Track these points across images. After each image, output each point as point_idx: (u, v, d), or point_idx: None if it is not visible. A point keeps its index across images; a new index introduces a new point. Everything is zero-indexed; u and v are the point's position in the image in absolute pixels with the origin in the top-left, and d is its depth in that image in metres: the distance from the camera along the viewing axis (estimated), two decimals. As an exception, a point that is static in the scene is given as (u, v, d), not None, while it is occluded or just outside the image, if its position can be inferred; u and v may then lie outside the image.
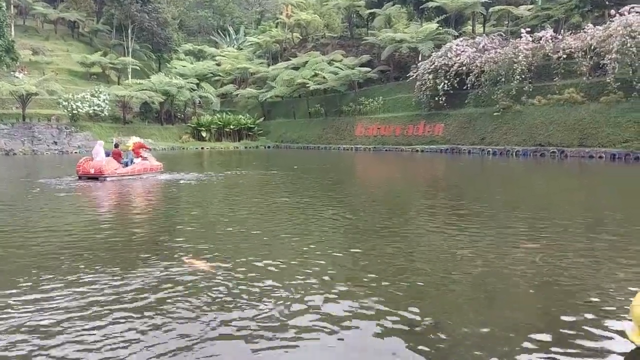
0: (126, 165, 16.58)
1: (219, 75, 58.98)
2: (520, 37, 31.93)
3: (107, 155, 16.30)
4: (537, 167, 22.68)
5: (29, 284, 4.90)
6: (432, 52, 37.75)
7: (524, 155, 28.50)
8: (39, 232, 7.68)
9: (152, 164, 17.56)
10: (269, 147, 48.39)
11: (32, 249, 6.44)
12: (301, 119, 50.04)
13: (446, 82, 34.91)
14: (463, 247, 6.43)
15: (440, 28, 41.34)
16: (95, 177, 15.37)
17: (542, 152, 28.20)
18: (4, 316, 4.07)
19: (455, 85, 34.84)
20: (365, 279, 5.05)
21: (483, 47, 34.29)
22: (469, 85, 34.02)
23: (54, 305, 4.29)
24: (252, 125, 51.13)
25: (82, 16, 59.87)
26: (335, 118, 45.98)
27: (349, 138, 42.99)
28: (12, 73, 42.15)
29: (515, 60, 31.04)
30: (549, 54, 30.71)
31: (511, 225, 8.02)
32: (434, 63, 35.72)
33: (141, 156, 17.38)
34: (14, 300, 4.42)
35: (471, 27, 46.26)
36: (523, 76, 30.74)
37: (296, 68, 50.20)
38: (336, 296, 4.53)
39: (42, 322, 3.95)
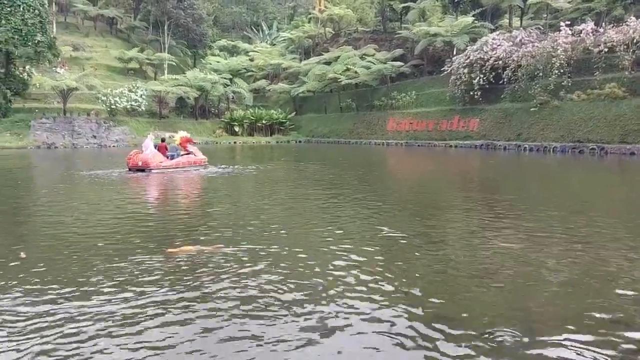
0: (172, 158, 17.23)
1: (252, 71, 59.49)
2: (560, 30, 31.08)
3: (156, 148, 17.06)
4: (576, 163, 22.10)
5: (105, 265, 5.12)
6: (467, 46, 37.14)
7: (561, 152, 27.80)
8: (103, 220, 8.00)
9: (197, 158, 18.15)
10: (300, 141, 48.61)
11: (111, 235, 6.73)
12: (332, 113, 50.06)
13: (481, 76, 34.31)
14: (499, 250, 6.36)
15: (476, 21, 40.60)
16: (142, 169, 16.14)
17: (580, 148, 27.46)
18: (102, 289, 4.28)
19: (491, 79, 34.23)
20: (399, 278, 5.07)
21: (520, 40, 33.52)
22: (505, 80, 33.35)
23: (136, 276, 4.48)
24: (283, 120, 51.46)
25: (121, 13, 61.30)
26: (366, 113, 45.80)
27: (381, 133, 42.76)
28: (53, 69, 43.52)
29: (553, 54, 30.25)
30: (590, 47, 29.79)
31: (548, 224, 7.87)
32: (469, 57, 35.15)
33: (187, 150, 18.00)
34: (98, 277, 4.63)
35: (508, 21, 45.24)
36: (562, 70, 29.94)
37: (328, 63, 50.17)
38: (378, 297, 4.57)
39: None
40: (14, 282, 4.78)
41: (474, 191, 12.56)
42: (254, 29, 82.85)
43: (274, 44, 70.34)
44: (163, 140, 18.20)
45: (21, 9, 37.34)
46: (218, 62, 58.86)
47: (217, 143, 45.69)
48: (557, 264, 5.38)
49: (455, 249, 6.12)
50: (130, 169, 16.49)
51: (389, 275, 4.97)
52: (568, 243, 6.40)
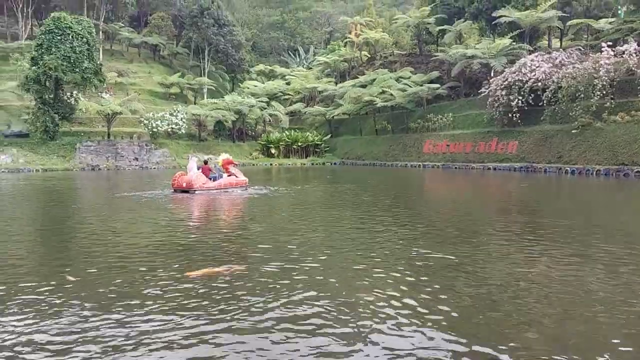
0: (214, 179, 17.71)
1: (289, 94, 60.43)
2: (601, 51, 30.39)
3: (199, 170, 17.65)
4: (622, 187, 21.33)
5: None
6: (505, 68, 36.73)
7: (605, 175, 26.91)
8: (154, 234, 8.23)
9: (239, 180, 18.58)
10: (335, 163, 48.75)
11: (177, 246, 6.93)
12: (367, 135, 50.11)
13: (520, 98, 33.79)
14: (540, 280, 6.18)
15: (514, 43, 40.19)
16: (187, 191, 16.76)
17: (625, 171, 26.52)
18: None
19: (530, 101, 33.65)
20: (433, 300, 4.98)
21: (560, 62, 32.92)
22: (544, 102, 32.70)
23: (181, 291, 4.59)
24: (318, 142, 51.82)
25: (163, 40, 63.58)
26: (402, 135, 45.65)
27: (417, 155, 42.46)
28: (99, 94, 45.28)
29: (595, 75, 29.54)
30: (633, 68, 28.98)
31: (594, 251, 7.61)
32: (507, 79, 34.72)
33: (229, 172, 18.48)
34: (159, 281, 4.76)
35: (547, 42, 44.62)
36: (604, 92, 29.17)
37: (364, 85, 50.48)
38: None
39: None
40: (57, 307, 4.94)
41: (516, 215, 12.28)
42: (291, 54, 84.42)
43: (310, 68, 71.42)
44: (206, 162, 18.72)
45: (70, 37, 39.21)
46: (255, 86, 60.07)
47: (253, 165, 46.32)
48: (604, 291, 5.19)
49: (497, 278, 5.98)
50: (175, 190, 17.14)
51: (426, 303, 4.89)
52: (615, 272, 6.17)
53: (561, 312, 4.60)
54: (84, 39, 40.15)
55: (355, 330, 4.16)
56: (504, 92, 34.71)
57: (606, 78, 29.13)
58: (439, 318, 4.42)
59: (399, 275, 5.83)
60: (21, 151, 38.10)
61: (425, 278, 5.75)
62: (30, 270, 6.33)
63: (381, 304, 4.78)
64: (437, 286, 5.38)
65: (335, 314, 4.51)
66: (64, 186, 23.33)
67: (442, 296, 5.02)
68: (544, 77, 32.64)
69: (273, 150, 50.37)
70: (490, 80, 36.88)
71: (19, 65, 45.40)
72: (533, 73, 33.28)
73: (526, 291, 5.22)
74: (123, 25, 63.37)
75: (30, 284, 5.48)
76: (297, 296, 5.01)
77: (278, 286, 5.37)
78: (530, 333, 4.10)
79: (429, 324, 4.28)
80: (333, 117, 52.47)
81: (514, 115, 34.27)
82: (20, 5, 60.16)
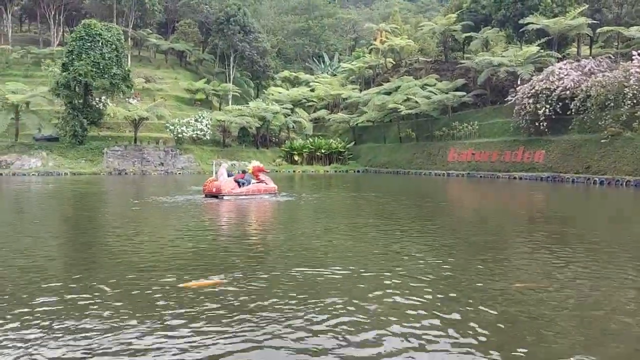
0: (243, 185, 18.19)
1: (313, 101, 60.58)
2: (632, 59, 29.65)
3: (229, 176, 18.26)
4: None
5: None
6: (532, 76, 36.15)
7: (636, 186, 26.15)
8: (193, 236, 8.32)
9: (267, 186, 18.87)
10: (358, 171, 48.61)
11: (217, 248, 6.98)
12: (391, 143, 49.85)
13: (547, 106, 33.17)
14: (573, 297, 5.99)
15: (542, 51, 39.53)
16: (216, 196, 17.45)
17: (658, 183, 25.74)
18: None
19: (558, 110, 32.99)
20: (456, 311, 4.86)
21: (589, 70, 32.27)
22: (573, 110, 32.03)
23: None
24: (342, 150, 51.76)
25: (190, 47, 64.54)
26: (426, 143, 45.27)
27: (441, 163, 42.03)
28: (127, 99, 46.16)
29: (626, 84, 28.83)
30: (666, 76, 28.21)
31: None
32: (534, 87, 34.15)
33: (259, 178, 18.86)
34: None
35: (576, 50, 43.78)
36: (635, 101, 28.43)
37: (388, 93, 50.28)
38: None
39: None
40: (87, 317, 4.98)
41: (549, 225, 12.00)
42: (316, 60, 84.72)
43: (335, 75, 71.52)
44: (244, 172, 19.21)
45: (100, 44, 40.12)
46: (280, 92, 60.40)
47: (277, 171, 46.47)
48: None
49: (525, 292, 5.82)
50: (206, 195, 17.88)
51: (452, 318, 4.77)
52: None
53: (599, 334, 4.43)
54: (113, 46, 41.02)
55: (380, 343, 4.08)
56: (531, 101, 34.13)
57: (637, 87, 28.40)
58: (465, 337, 4.30)
59: (427, 287, 5.71)
60: (51, 155, 39.04)
61: (454, 294, 5.62)
62: (55, 274, 6.42)
63: (410, 313, 4.68)
64: (469, 301, 5.25)
65: (356, 325, 4.44)
66: (99, 190, 23.88)
67: (468, 311, 4.89)
68: (572, 85, 32.01)
69: (296, 157, 50.49)
70: (517, 88, 36.33)
71: (50, 71, 46.66)
72: (561, 81, 32.67)
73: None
74: (151, 31, 64.57)
75: (51, 285, 5.56)
76: (321, 304, 4.96)
77: (305, 295, 5.32)
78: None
79: (455, 341, 4.18)
80: (357, 124, 52.39)
81: (541, 124, 33.66)
82: (53, 13, 61.94)
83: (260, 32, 65.98)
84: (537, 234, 10.59)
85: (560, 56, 39.85)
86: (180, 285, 5.85)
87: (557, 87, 32.71)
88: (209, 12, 65.76)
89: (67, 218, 13.62)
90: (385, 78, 58.38)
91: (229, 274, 6.38)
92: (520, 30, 41.88)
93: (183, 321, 4.60)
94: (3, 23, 65.40)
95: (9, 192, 22.61)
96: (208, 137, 46.42)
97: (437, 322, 4.65)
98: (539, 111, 33.55)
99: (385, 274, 6.51)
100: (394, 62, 63.59)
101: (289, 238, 9.92)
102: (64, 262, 7.65)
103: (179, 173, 41.42)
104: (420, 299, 5.35)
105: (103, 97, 42.68)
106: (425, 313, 4.88)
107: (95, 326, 4.46)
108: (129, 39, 58.64)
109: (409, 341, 4.19)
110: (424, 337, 4.29)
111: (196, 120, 45.68)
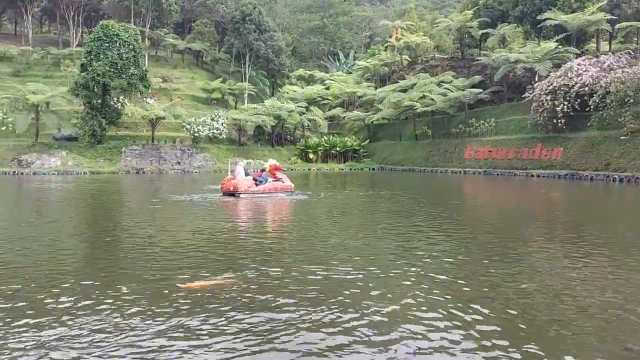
0: (260, 183, 18.48)
1: (328, 99, 60.54)
2: (653, 54, 29.17)
3: (247, 175, 18.53)
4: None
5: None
6: (550, 72, 35.70)
7: (657, 184, 25.73)
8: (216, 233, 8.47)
9: (284, 185, 19.05)
10: (373, 169, 48.50)
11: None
12: (407, 141, 49.64)
13: (565, 103, 32.74)
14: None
15: (560, 47, 39.00)
16: (233, 194, 17.77)
17: (679, 180, 25.28)
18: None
19: (576, 106, 32.55)
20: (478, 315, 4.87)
21: (608, 66, 31.78)
22: (591, 107, 31.59)
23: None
24: (357, 148, 51.67)
25: (206, 46, 64.96)
26: (442, 140, 45.00)
27: (457, 161, 41.75)
28: (144, 99, 46.65)
29: (646, 79, 28.36)
30: (688, 71, 27.66)
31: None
32: (552, 83, 33.73)
33: (276, 177, 19.04)
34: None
35: (595, 45, 43.10)
36: (656, 97, 27.96)
37: (404, 90, 50.06)
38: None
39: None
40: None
41: (568, 224, 11.89)
42: (331, 58, 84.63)
43: (350, 72, 71.36)
44: (263, 170, 19.52)
45: (117, 44, 40.58)
46: (295, 91, 60.48)
47: (292, 170, 46.59)
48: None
49: (543, 293, 5.80)
50: (224, 194, 18.22)
51: (467, 319, 4.78)
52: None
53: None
54: (131, 46, 41.46)
55: (399, 343, 4.11)
56: (548, 97, 33.72)
57: (658, 82, 27.91)
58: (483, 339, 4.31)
59: (444, 287, 5.73)
60: (70, 154, 39.66)
61: (471, 293, 5.62)
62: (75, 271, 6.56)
63: (428, 313, 4.70)
64: (489, 301, 5.25)
65: (371, 327, 4.47)
66: (118, 189, 24.29)
67: (486, 311, 4.89)
68: (591, 81, 31.56)
69: (311, 155, 50.54)
70: (535, 85, 35.93)
71: (70, 72, 47.37)
72: (580, 77, 32.23)
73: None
74: (168, 31, 65.11)
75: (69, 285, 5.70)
76: (337, 305, 5.00)
77: (320, 295, 5.37)
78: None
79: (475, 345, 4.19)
80: (372, 122, 52.26)
81: (559, 120, 33.24)
82: (72, 14, 62.81)
83: (276, 30, 66.09)
84: (556, 233, 10.50)
85: (578, 52, 39.29)
86: (181, 285, 5.77)
87: (576, 83, 32.29)
88: (224, 12, 66.09)
89: (90, 217, 13.88)
90: (401, 75, 58.13)
91: (242, 273, 6.45)
92: (538, 26, 41.36)
93: (199, 322, 4.68)
94: (24, 24, 66.57)
95: (31, 191, 23.07)
96: (224, 136, 46.74)
97: (456, 322, 4.66)
98: (556, 108, 33.14)
99: (401, 273, 6.53)
100: (410, 59, 63.25)
101: (303, 237, 9.98)
102: (84, 260, 7.81)
103: (196, 172, 41.77)
104: (438, 298, 5.36)
105: (121, 97, 43.20)
106: (443, 313, 4.88)
107: (107, 326, 4.56)
108: (146, 39, 59.20)
109: (428, 341, 4.20)
110: (445, 337, 4.29)
111: (212, 119, 46.02)
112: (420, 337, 4.29)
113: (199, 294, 5.50)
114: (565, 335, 4.40)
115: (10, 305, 5.11)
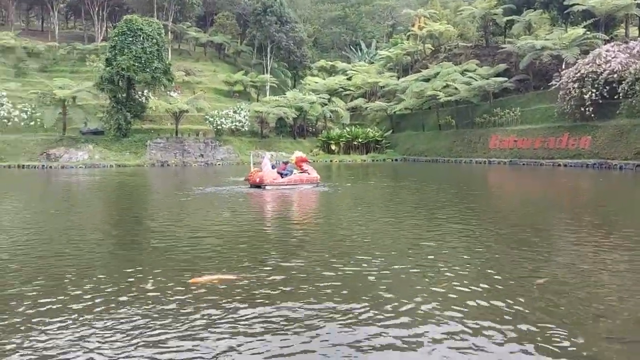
0: (286, 175, 18.72)
1: (350, 90, 60.22)
2: (687, 38, 28.16)
3: (273, 167, 18.83)
4: None
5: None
6: (577, 59, 34.82)
7: (690, 173, 24.97)
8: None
9: (310, 177, 19.16)
10: (396, 160, 48.16)
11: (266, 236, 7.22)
12: (430, 131, 49.12)
13: (594, 91, 31.90)
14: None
15: (588, 33, 37.96)
16: (259, 186, 18.10)
17: None
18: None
19: (605, 94, 31.70)
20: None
21: (638, 52, 30.82)
22: (621, 94, 30.72)
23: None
24: (379, 138, 51.33)
25: (228, 39, 65.29)
26: (466, 130, 44.39)
27: (482, 151, 41.16)
28: (168, 92, 47.17)
29: (679, 65, 27.43)
30: None
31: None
32: (579, 71, 32.89)
33: (302, 168, 19.19)
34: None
35: (624, 31, 41.84)
36: (689, 82, 27.03)
37: (427, 79, 49.44)
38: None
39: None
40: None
41: (597, 216, 11.63)
42: (353, 49, 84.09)
43: (372, 62, 70.78)
44: (287, 162, 19.79)
45: (141, 38, 41.06)
46: (316, 82, 60.30)
47: (314, 161, 46.54)
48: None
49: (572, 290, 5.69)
50: (250, 186, 18.58)
51: (493, 316, 4.71)
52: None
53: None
54: (154, 40, 41.91)
55: (427, 338, 4.09)
56: (576, 85, 32.91)
57: (692, 68, 26.98)
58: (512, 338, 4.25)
59: (468, 280, 5.66)
60: (96, 148, 40.44)
61: (499, 287, 5.55)
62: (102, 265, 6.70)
63: (454, 308, 4.66)
64: (514, 295, 5.18)
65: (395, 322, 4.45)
66: (144, 182, 24.80)
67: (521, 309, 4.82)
68: (620, 68, 30.67)
69: (333, 147, 50.43)
70: (562, 73, 35.09)
71: (95, 66, 48.17)
72: (608, 64, 31.35)
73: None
74: (190, 25, 65.60)
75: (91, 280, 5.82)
76: (359, 300, 4.99)
77: (345, 291, 5.37)
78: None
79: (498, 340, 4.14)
80: (394, 112, 51.80)
81: (587, 109, 32.44)
82: (96, 9, 63.78)
83: (297, 21, 65.97)
84: (583, 224, 10.28)
85: (607, 38, 38.21)
86: (189, 280, 5.74)
87: (604, 70, 31.42)
88: (246, 4, 66.26)
89: (120, 209, 14.15)
90: (424, 65, 57.43)
91: (257, 268, 6.49)
92: (565, 12, 40.33)
93: (222, 318, 4.72)
94: (50, 20, 67.92)
95: (60, 184, 23.63)
96: (246, 128, 47.01)
97: (492, 316, 4.60)
98: (584, 96, 32.33)
99: (431, 266, 6.48)
100: (433, 48, 62.44)
101: (326, 231, 9.98)
102: (110, 255, 7.96)
103: (219, 164, 42.13)
104: (462, 292, 5.30)
105: (145, 91, 43.77)
106: (467, 309, 4.81)
107: (125, 323, 4.63)
108: (169, 32, 59.79)
109: (455, 339, 4.15)
110: (473, 333, 4.24)
111: (235, 112, 46.30)
112: (450, 334, 4.23)
113: (221, 288, 5.54)
114: (606, 324, 4.31)
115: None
